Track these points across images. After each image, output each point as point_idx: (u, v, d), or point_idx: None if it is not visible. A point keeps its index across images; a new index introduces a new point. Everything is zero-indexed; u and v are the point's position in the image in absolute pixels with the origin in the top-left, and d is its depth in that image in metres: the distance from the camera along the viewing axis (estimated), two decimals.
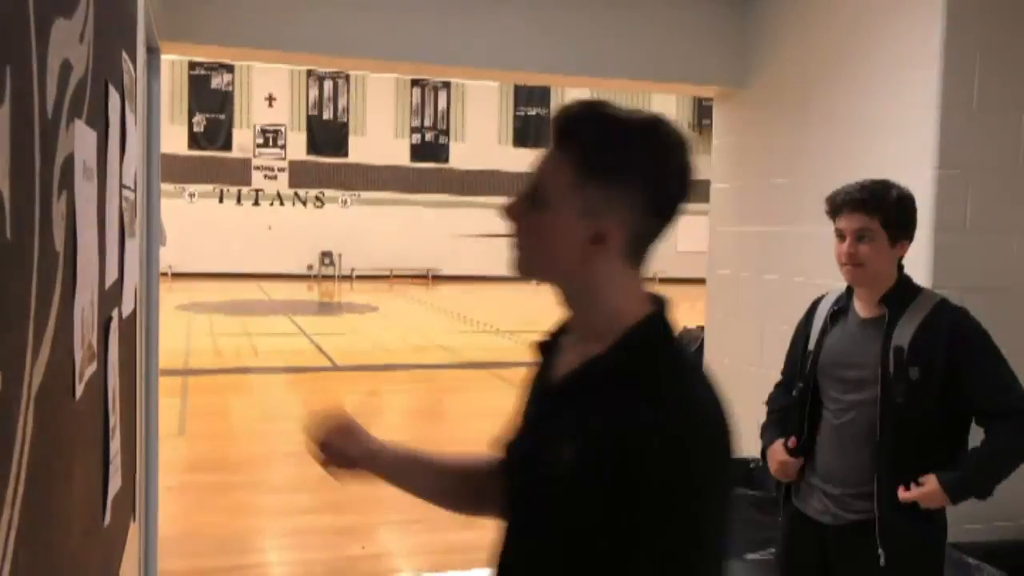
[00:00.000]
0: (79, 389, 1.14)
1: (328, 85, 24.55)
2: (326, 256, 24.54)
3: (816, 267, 3.72)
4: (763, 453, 2.74)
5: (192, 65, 22.91)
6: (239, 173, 24.54)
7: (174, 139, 22.10)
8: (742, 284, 4.51)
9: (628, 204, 1.19)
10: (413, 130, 25.47)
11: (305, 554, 4.89)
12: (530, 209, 1.23)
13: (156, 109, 3.05)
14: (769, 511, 3.13)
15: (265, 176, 24.87)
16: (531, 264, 1.26)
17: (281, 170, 24.95)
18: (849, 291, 2.59)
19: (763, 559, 3.46)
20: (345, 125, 24.82)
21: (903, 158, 3.41)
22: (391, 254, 24.69)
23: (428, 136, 25.52)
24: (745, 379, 4.38)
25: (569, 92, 26.26)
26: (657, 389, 1.16)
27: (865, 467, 2.45)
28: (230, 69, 23.63)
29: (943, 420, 2.43)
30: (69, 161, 1.05)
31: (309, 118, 24.74)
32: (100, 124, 1.36)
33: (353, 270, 24.18)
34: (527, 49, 4.19)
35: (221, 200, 24.42)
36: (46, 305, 0.93)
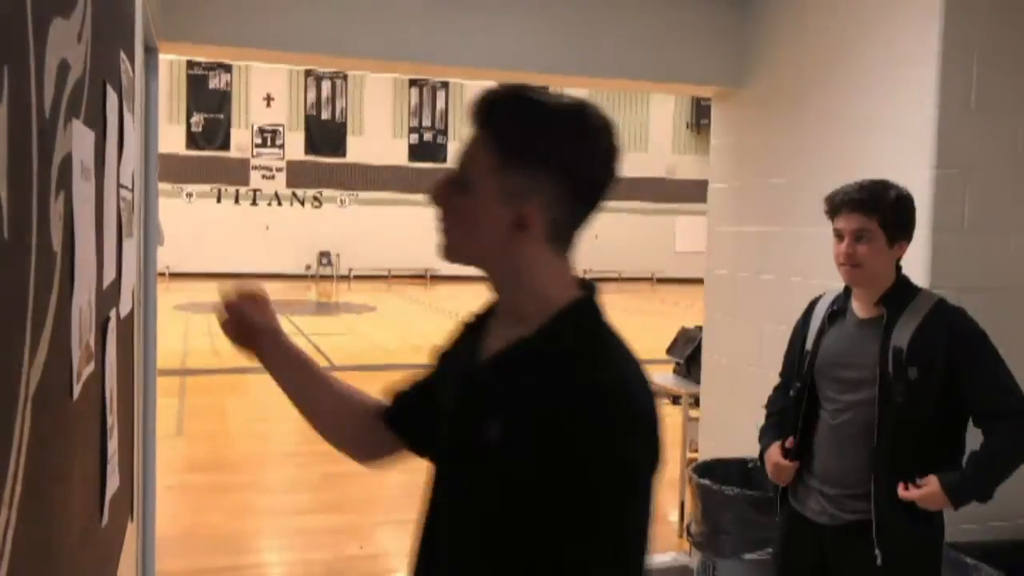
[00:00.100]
0: (77, 389, 1.14)
1: (326, 85, 24.53)
2: (324, 256, 24.53)
3: (814, 267, 3.72)
4: (761, 456, 2.74)
5: (190, 65, 22.89)
6: (237, 173, 24.52)
7: (172, 139, 22.08)
8: (740, 284, 4.51)
9: (550, 190, 1.18)
10: (411, 130, 25.46)
11: (303, 554, 4.89)
12: (455, 193, 1.23)
13: (154, 109, 3.05)
14: (766, 511, 3.13)
15: (263, 176, 24.86)
16: (456, 248, 1.26)
17: (279, 170, 24.93)
18: (847, 291, 2.59)
19: (760, 559, 3.46)
20: (343, 125, 24.81)
21: (900, 157, 3.41)
22: (389, 254, 24.68)
23: (427, 136, 25.51)
24: (743, 379, 4.39)
25: (567, 92, 26.19)
26: (584, 371, 1.15)
27: (862, 467, 2.45)
28: (228, 69, 23.61)
29: (941, 420, 2.43)
30: (67, 161, 1.05)
31: (307, 118, 24.72)
32: (98, 124, 1.36)
33: (351, 270, 24.17)
34: (525, 49, 4.19)
35: (219, 200, 24.40)
36: (43, 305, 0.93)
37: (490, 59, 4.15)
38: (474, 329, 1.34)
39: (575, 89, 5.34)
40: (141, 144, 2.53)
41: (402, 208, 24.96)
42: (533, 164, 1.18)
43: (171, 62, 21.59)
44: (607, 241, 27.68)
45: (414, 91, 25.21)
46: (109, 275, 1.54)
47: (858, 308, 2.54)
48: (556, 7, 4.20)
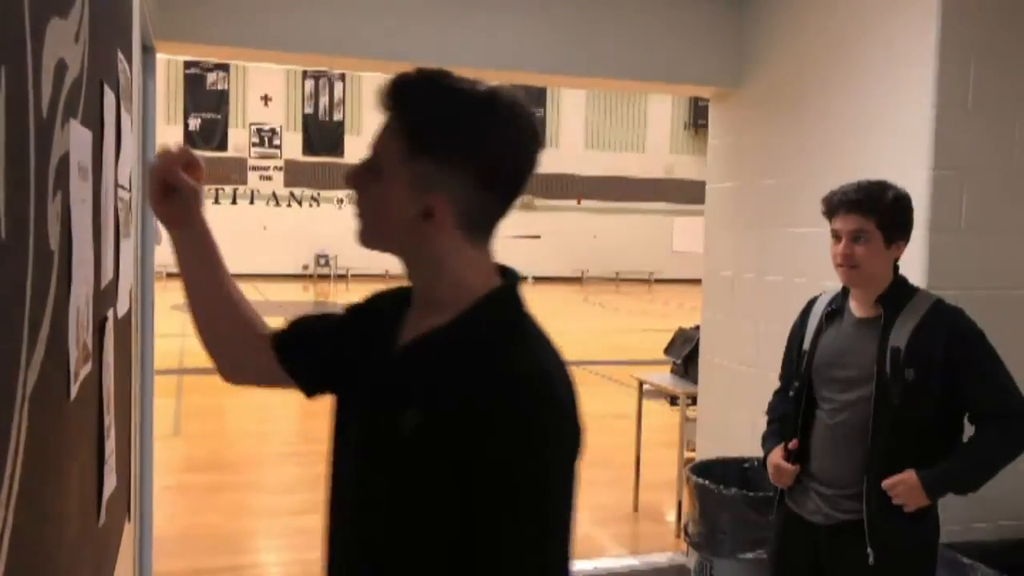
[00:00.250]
0: (74, 389, 1.14)
1: (324, 85, 24.52)
2: (321, 256, 24.51)
3: (812, 267, 3.72)
4: (764, 462, 2.73)
5: (187, 65, 22.88)
6: (234, 173, 24.50)
7: (169, 139, 21.92)
8: (738, 284, 4.51)
9: (459, 179, 1.15)
10: None
11: (301, 554, 4.88)
12: (369, 178, 1.20)
13: (151, 109, 3.04)
14: (764, 511, 3.13)
15: (260, 176, 24.84)
16: (368, 234, 1.23)
17: (277, 170, 24.92)
18: (844, 291, 2.59)
19: (757, 559, 3.46)
20: (341, 125, 24.79)
21: (898, 158, 3.41)
22: (386, 255, 24.64)
23: None
24: (741, 380, 4.39)
25: (567, 92, 26.29)
26: (503, 360, 1.14)
27: (857, 467, 2.45)
28: (225, 69, 23.60)
29: (938, 421, 2.43)
30: (64, 161, 1.05)
31: (305, 118, 24.71)
32: (95, 124, 1.35)
33: (348, 270, 24.15)
34: (524, 49, 4.19)
35: (216, 200, 24.37)
36: (41, 305, 0.93)
37: (490, 59, 4.15)
38: (389, 317, 1.30)
39: (575, 89, 5.34)
40: (138, 144, 2.53)
41: None
42: (442, 153, 1.15)
43: (168, 62, 21.57)
44: (605, 241, 27.72)
45: None
46: (107, 275, 1.54)
47: (856, 308, 2.54)
48: (556, 7, 4.20)
